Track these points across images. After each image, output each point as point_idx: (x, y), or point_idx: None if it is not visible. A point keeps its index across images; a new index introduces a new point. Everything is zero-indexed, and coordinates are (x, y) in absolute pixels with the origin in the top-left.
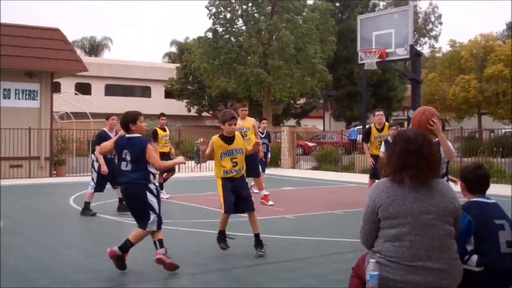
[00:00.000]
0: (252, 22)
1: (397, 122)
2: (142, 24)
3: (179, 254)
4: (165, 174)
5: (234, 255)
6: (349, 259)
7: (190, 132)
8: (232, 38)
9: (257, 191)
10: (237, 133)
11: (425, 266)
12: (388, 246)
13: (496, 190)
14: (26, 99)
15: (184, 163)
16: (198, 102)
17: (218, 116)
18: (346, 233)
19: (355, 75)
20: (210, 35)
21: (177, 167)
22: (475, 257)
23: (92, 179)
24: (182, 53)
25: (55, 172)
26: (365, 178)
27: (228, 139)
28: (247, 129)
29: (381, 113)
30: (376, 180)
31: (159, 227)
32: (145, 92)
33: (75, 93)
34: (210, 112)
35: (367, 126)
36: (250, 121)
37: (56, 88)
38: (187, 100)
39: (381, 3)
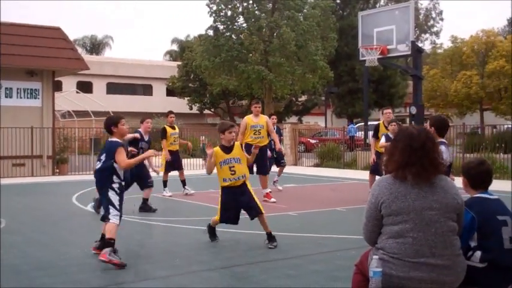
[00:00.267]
0: (253, 19)
1: (398, 119)
2: (143, 23)
3: (182, 251)
4: (178, 174)
5: (236, 252)
6: (352, 256)
7: (192, 130)
8: (233, 36)
9: (281, 187)
10: (236, 143)
11: (428, 262)
12: (391, 242)
13: (499, 186)
14: (27, 98)
15: (155, 155)
16: (199, 100)
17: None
18: (348, 229)
19: (357, 72)
20: (211, 32)
21: (186, 164)
22: (478, 253)
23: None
24: (183, 51)
25: (57, 171)
26: (367, 175)
27: (227, 148)
28: (261, 127)
29: (389, 110)
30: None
31: (119, 222)
32: (146, 90)
33: (77, 92)
34: (212, 110)
35: (376, 123)
36: (264, 118)
37: (58, 87)
38: (188, 98)
39: (382, 0)
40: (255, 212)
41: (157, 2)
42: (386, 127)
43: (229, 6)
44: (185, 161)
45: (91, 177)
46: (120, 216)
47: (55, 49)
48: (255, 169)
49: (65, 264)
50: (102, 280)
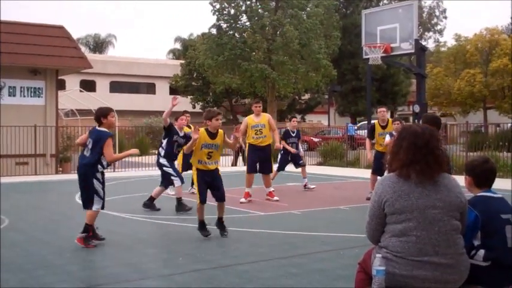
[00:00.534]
0: (256, 18)
1: (402, 117)
2: (146, 21)
3: (184, 249)
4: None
5: (239, 251)
6: (355, 254)
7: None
8: (236, 34)
9: (313, 186)
10: (221, 131)
11: (431, 261)
12: (394, 241)
13: (502, 184)
14: (31, 96)
15: (137, 153)
16: (202, 99)
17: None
18: (351, 228)
19: (360, 70)
20: (214, 31)
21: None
22: (481, 252)
23: (171, 174)
24: (186, 49)
25: (61, 169)
26: (370, 174)
27: (212, 134)
28: (263, 126)
29: (384, 109)
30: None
31: (102, 208)
32: (150, 88)
33: (80, 91)
34: (215, 108)
35: (372, 122)
36: (266, 117)
37: (61, 85)
38: (192, 96)
39: None
40: (221, 196)
41: (161, 0)
42: (382, 126)
43: (233, 5)
44: None
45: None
46: (103, 203)
47: (58, 48)
48: (258, 167)
49: (68, 263)
50: (106, 278)
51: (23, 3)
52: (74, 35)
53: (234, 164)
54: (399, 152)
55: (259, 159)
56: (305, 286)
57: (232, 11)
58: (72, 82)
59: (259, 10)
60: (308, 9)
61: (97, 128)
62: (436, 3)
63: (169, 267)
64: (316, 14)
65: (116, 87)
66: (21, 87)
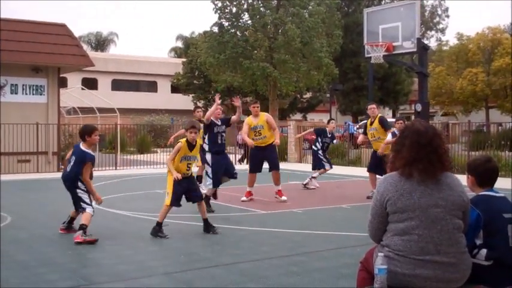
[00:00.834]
0: (258, 16)
1: (403, 116)
2: (147, 19)
3: (186, 247)
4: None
5: (241, 249)
6: (357, 253)
7: None
8: (238, 32)
9: (317, 184)
10: (198, 142)
11: (433, 259)
12: (396, 240)
13: (504, 184)
14: (33, 94)
15: (100, 202)
16: (204, 97)
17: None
18: (353, 227)
19: (362, 69)
20: (215, 29)
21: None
22: (484, 251)
23: (207, 174)
24: (188, 47)
25: (63, 167)
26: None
27: (191, 146)
28: (261, 127)
29: (374, 106)
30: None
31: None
32: (151, 86)
33: (82, 88)
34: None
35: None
36: (264, 117)
37: (63, 83)
38: (193, 95)
39: None
40: (200, 197)
41: None
42: (371, 122)
43: (234, 3)
44: None
45: (95, 173)
46: (91, 207)
47: (60, 46)
48: (266, 165)
49: (70, 261)
50: (108, 276)
51: (25, 2)
52: (76, 33)
53: (242, 160)
54: (402, 150)
55: (264, 158)
56: (307, 284)
57: (234, 9)
58: (74, 80)
59: (261, 8)
60: (310, 7)
61: (80, 146)
62: (439, 2)
63: (172, 265)
64: (318, 13)
65: (118, 85)
66: (23, 85)
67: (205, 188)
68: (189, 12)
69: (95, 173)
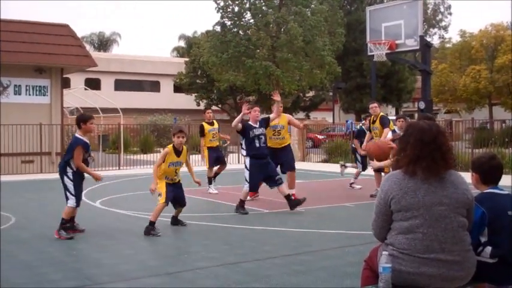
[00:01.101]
0: (260, 15)
1: (407, 114)
2: (150, 19)
3: (190, 247)
4: (216, 168)
5: (244, 248)
6: (361, 252)
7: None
8: (240, 32)
9: (359, 186)
10: (185, 148)
11: (438, 258)
12: (400, 238)
13: (508, 181)
14: (36, 95)
15: (99, 179)
16: (207, 96)
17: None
18: (357, 225)
19: (365, 67)
20: (218, 28)
21: (196, 160)
22: (488, 249)
23: (245, 177)
24: (190, 47)
25: None
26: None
27: (178, 152)
28: (282, 127)
29: (375, 104)
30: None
31: (77, 205)
32: (154, 86)
33: (85, 89)
34: (219, 106)
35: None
36: (286, 118)
37: (66, 84)
38: (196, 94)
39: None
40: (184, 203)
41: None
42: (373, 121)
43: (237, 2)
44: (196, 157)
45: (98, 172)
46: (78, 200)
47: (63, 46)
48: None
49: (74, 260)
50: (112, 276)
51: (27, 2)
52: (79, 33)
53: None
54: (406, 148)
55: (281, 159)
56: (311, 283)
57: (236, 9)
58: (77, 80)
59: (263, 7)
60: (312, 6)
61: (76, 133)
62: (441, 0)
63: (175, 264)
64: (320, 11)
65: (121, 85)
66: (26, 86)
67: (213, 189)
68: (191, 11)
69: (98, 173)
